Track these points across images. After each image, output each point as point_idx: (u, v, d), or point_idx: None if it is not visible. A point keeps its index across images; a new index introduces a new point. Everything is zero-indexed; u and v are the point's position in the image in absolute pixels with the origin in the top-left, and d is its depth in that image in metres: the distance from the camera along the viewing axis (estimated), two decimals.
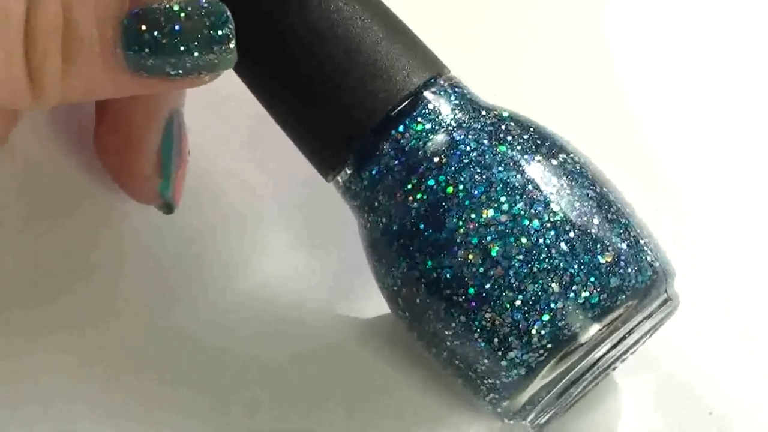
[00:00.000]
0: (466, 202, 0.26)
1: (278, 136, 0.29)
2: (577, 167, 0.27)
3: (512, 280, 0.26)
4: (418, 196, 0.27)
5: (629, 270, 0.26)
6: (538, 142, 0.27)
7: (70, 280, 0.32)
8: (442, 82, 0.28)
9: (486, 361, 0.27)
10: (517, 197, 0.26)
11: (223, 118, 0.34)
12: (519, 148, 0.27)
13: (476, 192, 0.26)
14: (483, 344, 0.26)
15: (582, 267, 0.26)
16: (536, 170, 0.27)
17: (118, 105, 0.30)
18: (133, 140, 0.31)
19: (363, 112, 0.27)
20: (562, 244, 0.26)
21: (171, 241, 0.33)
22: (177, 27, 0.24)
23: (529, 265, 0.26)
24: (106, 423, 0.30)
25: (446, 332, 0.27)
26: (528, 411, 0.28)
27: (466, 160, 0.27)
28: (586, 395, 0.30)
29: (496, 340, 0.26)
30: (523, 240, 0.26)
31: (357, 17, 0.27)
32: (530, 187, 0.26)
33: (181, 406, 0.31)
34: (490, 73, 0.35)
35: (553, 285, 0.26)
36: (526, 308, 0.26)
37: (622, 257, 0.26)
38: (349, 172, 0.28)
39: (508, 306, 0.26)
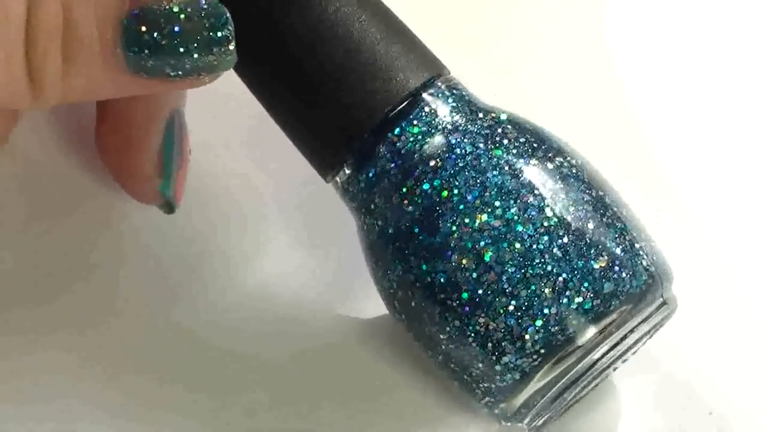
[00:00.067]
0: (461, 207, 0.26)
1: (278, 136, 0.29)
2: (574, 171, 0.27)
3: (505, 286, 0.26)
4: (413, 200, 0.27)
5: (623, 275, 0.26)
6: (535, 145, 0.27)
7: (70, 280, 0.32)
8: (440, 83, 0.28)
9: (480, 365, 0.27)
10: (511, 202, 0.26)
11: (223, 118, 0.34)
12: (515, 151, 0.27)
13: (470, 196, 0.26)
14: (477, 348, 0.26)
15: (575, 272, 0.26)
16: (531, 174, 0.27)
17: (120, 105, 0.31)
18: (134, 140, 0.31)
19: (361, 113, 0.27)
20: (556, 250, 0.26)
21: (171, 241, 0.33)
22: (177, 28, 0.24)
23: (523, 271, 0.26)
24: (106, 423, 0.30)
25: (441, 336, 0.27)
26: (524, 413, 0.28)
27: (461, 164, 0.27)
28: (586, 396, 0.30)
29: (489, 344, 0.26)
30: (517, 245, 0.26)
31: (357, 17, 0.27)
32: (524, 191, 0.26)
33: (181, 406, 0.31)
34: (490, 73, 0.35)
35: (546, 290, 0.26)
36: (519, 313, 0.26)
37: (617, 262, 0.26)
38: (348, 172, 0.28)
39: (501, 311, 0.26)
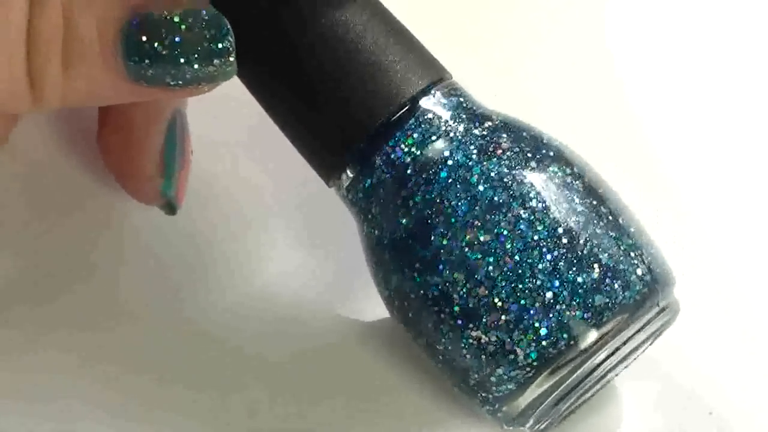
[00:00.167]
0: (452, 220, 0.26)
1: (278, 136, 0.29)
2: (569, 179, 0.27)
3: (496, 300, 0.26)
4: (407, 212, 0.27)
5: (616, 286, 0.26)
6: (529, 154, 0.27)
7: (70, 280, 0.32)
8: (438, 90, 0.28)
9: (476, 375, 0.27)
10: (501, 216, 0.26)
11: (223, 118, 0.34)
12: (508, 162, 0.27)
13: (461, 210, 0.26)
14: (471, 360, 0.26)
15: (566, 285, 0.26)
16: (523, 186, 0.26)
17: (121, 106, 0.30)
18: (136, 140, 0.31)
19: (359, 119, 0.27)
20: (546, 263, 0.26)
21: (171, 241, 0.33)
22: (177, 38, 0.24)
23: (513, 285, 0.26)
24: (106, 423, 0.30)
25: (437, 346, 0.27)
26: (526, 418, 0.28)
27: (453, 177, 0.26)
28: (587, 400, 0.30)
29: (483, 357, 0.26)
30: (507, 259, 0.26)
31: (356, 19, 0.27)
32: (515, 205, 0.26)
33: (181, 406, 0.31)
34: (490, 74, 0.35)
35: (537, 304, 0.26)
36: (510, 327, 0.26)
37: (609, 274, 0.26)
38: (351, 175, 0.28)
39: (492, 325, 0.26)
